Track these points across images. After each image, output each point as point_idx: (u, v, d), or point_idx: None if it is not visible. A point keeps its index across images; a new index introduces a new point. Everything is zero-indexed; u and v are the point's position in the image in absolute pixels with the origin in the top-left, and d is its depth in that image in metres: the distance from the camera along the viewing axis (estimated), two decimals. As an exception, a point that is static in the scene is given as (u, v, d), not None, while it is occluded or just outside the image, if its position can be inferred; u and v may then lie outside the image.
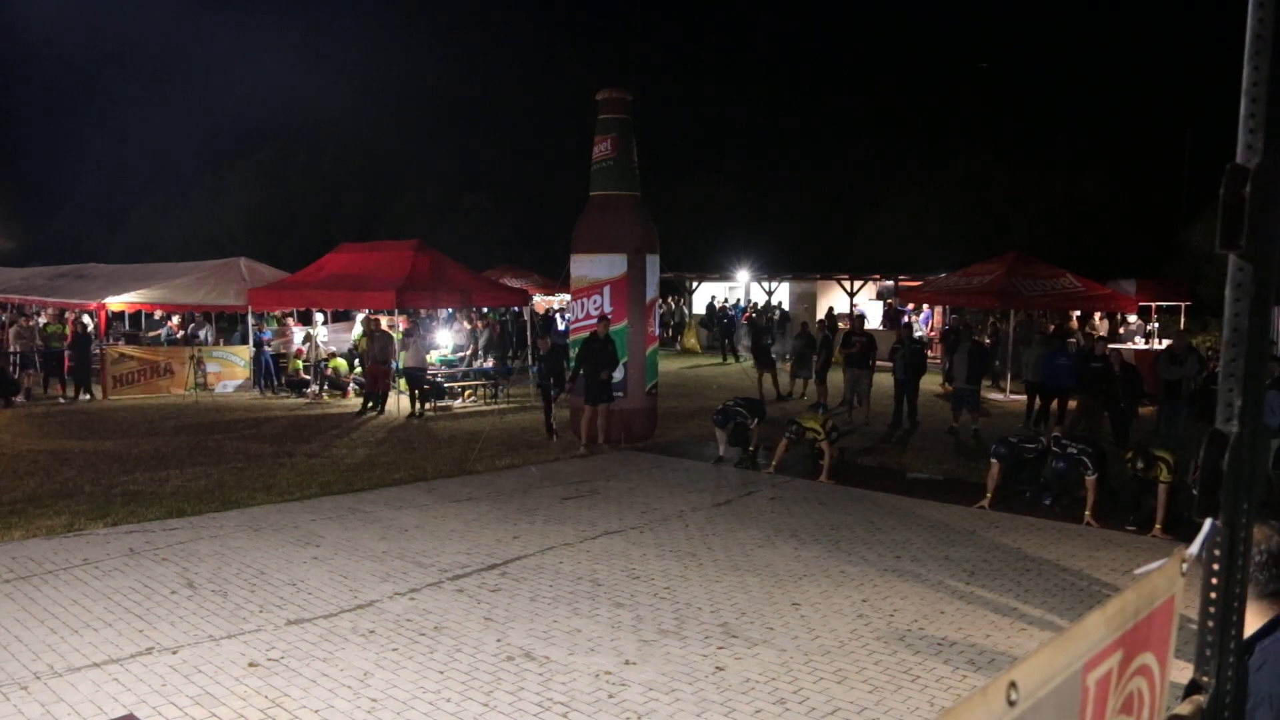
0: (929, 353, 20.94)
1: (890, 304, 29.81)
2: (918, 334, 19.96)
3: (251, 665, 6.04)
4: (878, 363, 17.22)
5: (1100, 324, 24.88)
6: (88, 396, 18.91)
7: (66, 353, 19.20)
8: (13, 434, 14.79)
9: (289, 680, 5.83)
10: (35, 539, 8.86)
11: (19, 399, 18.35)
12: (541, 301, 30.87)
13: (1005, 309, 21.57)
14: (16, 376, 18.80)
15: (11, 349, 19.45)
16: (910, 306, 27.57)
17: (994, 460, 10.55)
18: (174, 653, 6.21)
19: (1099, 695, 1.48)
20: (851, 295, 29.34)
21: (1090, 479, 9.79)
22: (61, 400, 18.76)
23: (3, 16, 49.67)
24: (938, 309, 27.44)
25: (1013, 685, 1.18)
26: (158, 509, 10.03)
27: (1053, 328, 21.08)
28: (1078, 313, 24.14)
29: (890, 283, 30.36)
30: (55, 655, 6.14)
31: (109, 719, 5.29)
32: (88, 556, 8.28)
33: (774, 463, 12.38)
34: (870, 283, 30.37)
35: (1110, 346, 15.56)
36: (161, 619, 6.82)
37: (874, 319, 28.23)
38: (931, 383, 19.92)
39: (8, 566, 7.97)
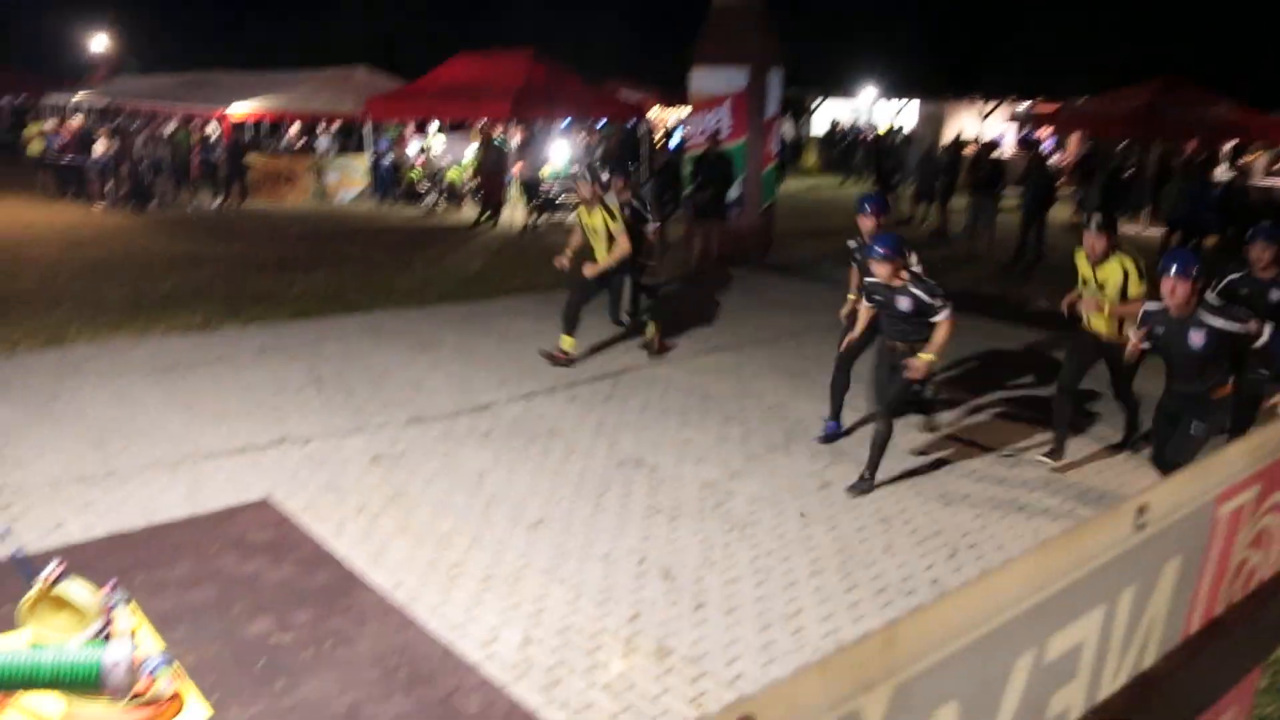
0: (1060, 182, 19.90)
1: (1024, 129, 28.27)
2: (1050, 162, 18.92)
3: (375, 459, 6.38)
4: (1005, 190, 16.47)
5: (1259, 158, 23.08)
6: (228, 200, 19.66)
7: (219, 158, 19.96)
8: (148, 238, 15.47)
9: (410, 474, 6.15)
10: (174, 334, 9.37)
11: (152, 205, 19.09)
12: (659, 117, 30.22)
13: (1147, 137, 20.19)
14: (149, 183, 19.47)
15: (143, 157, 20.05)
16: (1040, 134, 26.00)
17: None
18: (305, 444, 6.59)
19: (1229, 527, 1.44)
20: (984, 118, 27.88)
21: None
22: (188, 210, 19.44)
23: None
24: (1073, 137, 25.88)
25: (1142, 509, 1.15)
26: (285, 310, 10.47)
27: (1188, 153, 19.64)
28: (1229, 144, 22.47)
29: (1026, 104, 28.68)
30: (198, 442, 6.58)
31: (248, 499, 5.70)
32: (222, 354, 8.75)
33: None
34: (1005, 105, 28.74)
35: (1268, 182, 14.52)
36: (292, 413, 7.21)
37: (1006, 145, 26.87)
38: (1063, 213, 19.04)
39: (154, 359, 8.49)
